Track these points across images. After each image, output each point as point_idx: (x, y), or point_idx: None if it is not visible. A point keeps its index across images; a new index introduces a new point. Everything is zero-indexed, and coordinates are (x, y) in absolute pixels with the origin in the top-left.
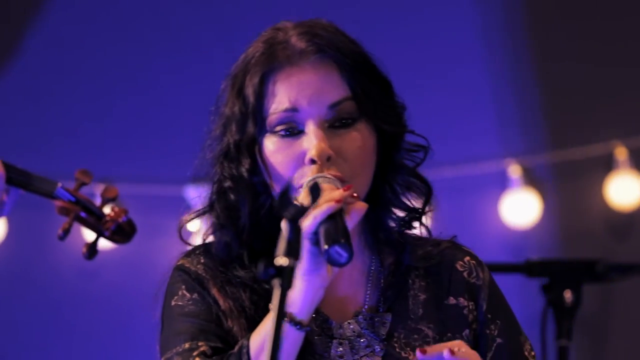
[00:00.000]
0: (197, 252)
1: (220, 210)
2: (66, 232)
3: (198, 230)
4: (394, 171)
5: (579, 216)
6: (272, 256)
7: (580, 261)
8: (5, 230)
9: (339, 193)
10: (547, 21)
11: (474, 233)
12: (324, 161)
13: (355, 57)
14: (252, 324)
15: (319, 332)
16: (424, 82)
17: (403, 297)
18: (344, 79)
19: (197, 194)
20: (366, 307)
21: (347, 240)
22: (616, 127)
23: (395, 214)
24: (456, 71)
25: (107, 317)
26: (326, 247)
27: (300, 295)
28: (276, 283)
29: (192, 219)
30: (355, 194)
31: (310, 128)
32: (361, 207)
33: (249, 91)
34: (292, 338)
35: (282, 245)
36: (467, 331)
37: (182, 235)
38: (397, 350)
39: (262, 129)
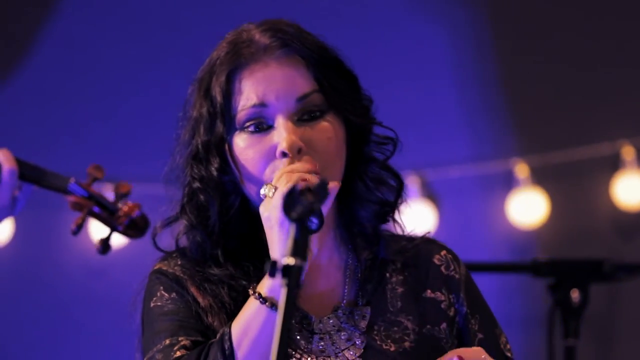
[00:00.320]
0: (174, 255)
1: (191, 211)
2: (79, 227)
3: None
4: (364, 164)
5: (585, 216)
6: (245, 254)
7: (587, 261)
8: (12, 229)
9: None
10: (549, 21)
11: (480, 233)
12: (295, 153)
13: (320, 51)
14: (233, 318)
15: (299, 328)
16: (424, 82)
17: (381, 290)
18: (310, 72)
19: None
20: (345, 301)
21: (319, 211)
22: (623, 127)
23: (368, 208)
24: (456, 71)
25: (114, 316)
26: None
27: (280, 281)
28: (283, 283)
29: (165, 225)
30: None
31: (280, 122)
32: (333, 186)
33: (216, 91)
34: (275, 323)
35: (289, 245)
36: (444, 324)
37: (156, 243)
38: (378, 342)
39: (231, 128)
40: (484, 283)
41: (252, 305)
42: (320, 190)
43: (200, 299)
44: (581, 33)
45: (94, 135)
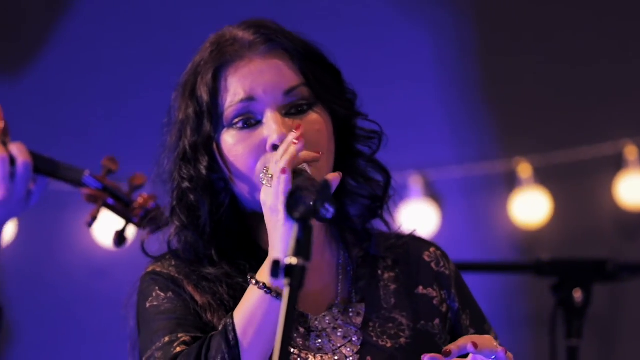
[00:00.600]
0: (167, 257)
1: (181, 212)
2: (94, 219)
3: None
4: (352, 159)
5: (588, 216)
6: (239, 253)
7: (590, 261)
8: (15, 229)
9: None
10: (553, 21)
11: (483, 232)
12: None
13: (303, 45)
14: None
15: (296, 326)
16: (427, 82)
17: (374, 287)
18: (296, 65)
19: None
20: (339, 298)
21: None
22: (626, 127)
23: (358, 203)
24: (458, 71)
25: (116, 316)
26: (312, 203)
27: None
28: (285, 282)
29: (155, 231)
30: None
31: (269, 115)
32: (334, 176)
33: (202, 90)
34: (277, 309)
35: (291, 244)
36: (437, 320)
37: (145, 249)
38: (374, 338)
39: (219, 126)
40: (487, 283)
41: (254, 295)
42: (323, 191)
43: (197, 297)
44: (584, 32)
45: (96, 136)
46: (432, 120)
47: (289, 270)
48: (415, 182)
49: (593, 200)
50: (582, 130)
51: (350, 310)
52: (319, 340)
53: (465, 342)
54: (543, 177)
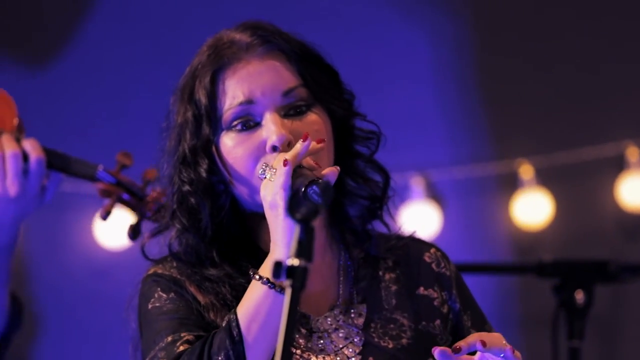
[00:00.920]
0: (168, 259)
1: (182, 215)
2: (108, 214)
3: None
4: (351, 160)
5: (590, 217)
6: (240, 254)
7: (592, 262)
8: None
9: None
10: (555, 22)
11: (485, 234)
12: (285, 147)
13: (301, 47)
14: None
15: (298, 327)
16: (429, 83)
17: (375, 288)
18: (293, 66)
19: None
20: (340, 300)
21: (327, 183)
22: (628, 127)
23: (358, 204)
24: (460, 71)
25: (118, 316)
26: (304, 188)
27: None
28: (287, 283)
29: (155, 234)
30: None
31: (267, 117)
32: (333, 171)
33: (201, 94)
34: (280, 304)
35: (293, 245)
36: (438, 321)
37: (146, 253)
38: (376, 339)
39: (218, 128)
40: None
41: (258, 290)
42: (325, 192)
43: (200, 297)
44: (586, 33)
45: (99, 136)
46: (433, 122)
47: (291, 271)
48: (416, 183)
49: (595, 202)
50: (583, 131)
51: (352, 311)
52: (321, 341)
53: (474, 339)
54: (545, 178)
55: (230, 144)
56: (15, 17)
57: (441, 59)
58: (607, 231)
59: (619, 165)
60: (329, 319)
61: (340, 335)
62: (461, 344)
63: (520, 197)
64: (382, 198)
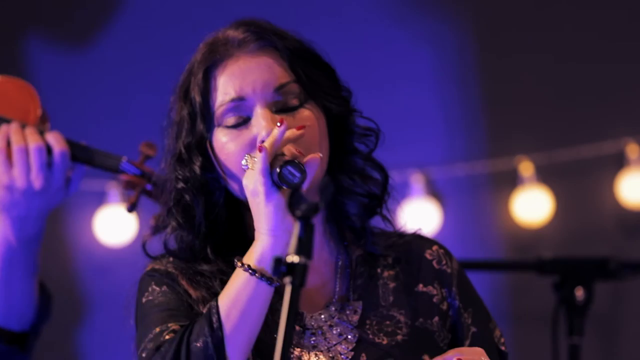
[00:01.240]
0: (165, 256)
1: (177, 212)
2: (133, 205)
3: None
4: (348, 157)
5: (590, 214)
6: (235, 251)
7: (592, 259)
8: None
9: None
10: (556, 18)
11: (485, 231)
12: None
13: (295, 43)
14: None
15: None
16: (429, 80)
17: (373, 285)
18: (286, 63)
19: None
20: (336, 297)
21: (300, 163)
22: (628, 125)
23: (356, 201)
24: (460, 68)
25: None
26: (279, 169)
27: (269, 252)
28: (287, 280)
29: (155, 233)
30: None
31: (258, 112)
32: (315, 157)
33: (195, 91)
34: (265, 294)
35: (293, 242)
36: (437, 318)
37: (147, 251)
38: (371, 336)
39: (211, 125)
40: (489, 281)
41: (239, 277)
42: (325, 190)
43: (191, 291)
44: (586, 31)
45: (100, 134)
46: (433, 119)
47: (291, 268)
48: (416, 181)
49: (595, 199)
50: (583, 128)
51: (348, 308)
52: (313, 338)
53: (452, 354)
54: (545, 176)
55: (223, 140)
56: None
57: (440, 56)
58: (607, 228)
59: (619, 163)
60: (324, 316)
61: (335, 332)
62: (438, 359)
63: (520, 195)
64: (380, 196)
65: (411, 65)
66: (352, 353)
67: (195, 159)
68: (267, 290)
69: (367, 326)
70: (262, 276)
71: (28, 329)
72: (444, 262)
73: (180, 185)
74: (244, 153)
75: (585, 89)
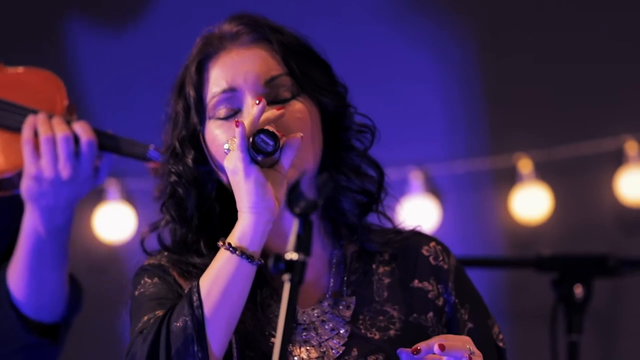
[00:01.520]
0: (160, 251)
1: (170, 206)
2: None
3: None
4: (343, 153)
5: (589, 211)
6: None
7: (590, 256)
8: None
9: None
10: (553, 17)
11: (484, 228)
12: None
13: (289, 38)
14: None
15: None
16: (428, 78)
17: (367, 281)
18: (280, 56)
19: None
20: (330, 292)
21: (273, 131)
22: (627, 122)
23: (351, 197)
24: (460, 67)
25: (116, 311)
26: (252, 139)
27: (250, 229)
28: (286, 278)
29: (152, 231)
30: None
31: (248, 102)
32: (295, 137)
33: (189, 85)
34: (245, 272)
35: (292, 239)
36: (431, 314)
37: (145, 248)
38: (363, 331)
39: (204, 117)
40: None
41: (221, 256)
42: (324, 187)
43: (182, 282)
44: (586, 30)
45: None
46: (432, 116)
47: (290, 265)
48: (415, 178)
49: (594, 196)
50: (582, 125)
51: (341, 303)
52: (305, 333)
53: (435, 341)
54: (544, 173)
55: (214, 132)
56: None
57: (441, 54)
58: (606, 225)
59: (618, 160)
60: (316, 311)
61: (327, 327)
62: (421, 345)
63: (519, 192)
64: (376, 193)
65: (412, 63)
66: (344, 348)
67: (188, 153)
68: (248, 269)
69: (360, 321)
70: (243, 254)
71: (59, 320)
72: (440, 258)
73: (173, 178)
74: None
75: (584, 86)
